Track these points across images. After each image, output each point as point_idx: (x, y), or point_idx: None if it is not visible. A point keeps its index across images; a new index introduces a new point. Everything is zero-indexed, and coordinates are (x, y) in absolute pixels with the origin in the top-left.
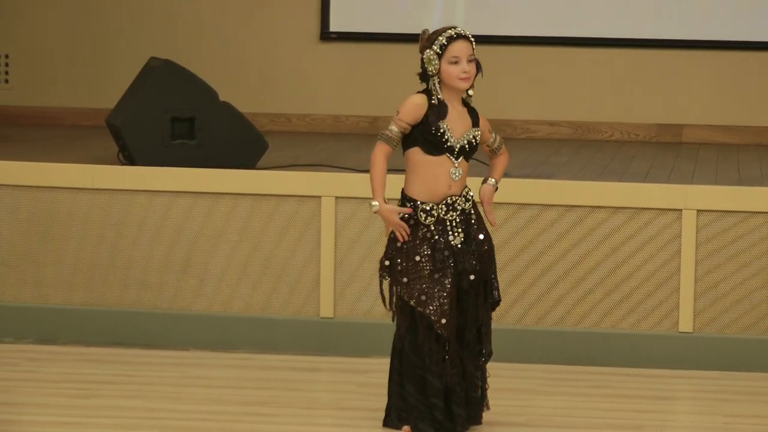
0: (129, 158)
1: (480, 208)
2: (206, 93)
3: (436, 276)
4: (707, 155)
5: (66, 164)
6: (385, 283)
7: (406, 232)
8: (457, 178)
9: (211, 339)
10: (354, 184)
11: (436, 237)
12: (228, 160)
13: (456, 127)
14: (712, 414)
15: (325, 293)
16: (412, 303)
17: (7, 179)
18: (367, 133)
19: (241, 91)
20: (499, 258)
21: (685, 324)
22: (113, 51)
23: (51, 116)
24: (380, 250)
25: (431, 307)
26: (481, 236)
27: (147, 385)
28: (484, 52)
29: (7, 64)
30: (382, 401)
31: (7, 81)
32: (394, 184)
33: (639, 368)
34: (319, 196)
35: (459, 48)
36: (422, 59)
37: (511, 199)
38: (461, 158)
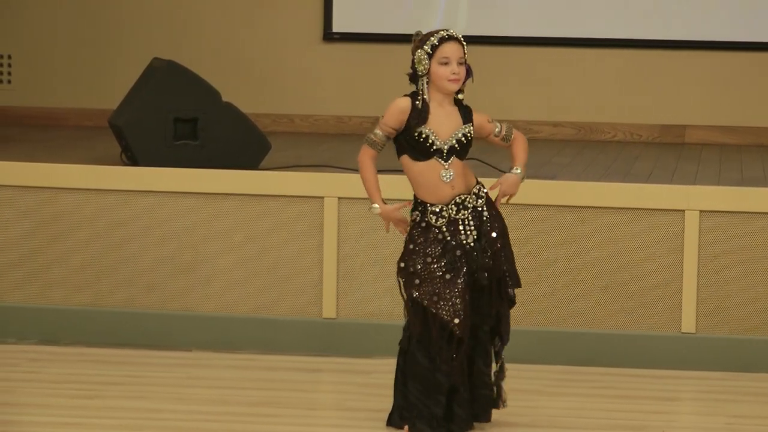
0: (132, 159)
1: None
2: (209, 93)
3: (449, 276)
4: (710, 156)
5: (68, 165)
6: (403, 285)
7: (406, 225)
8: (448, 180)
9: (214, 339)
10: (357, 184)
11: (448, 238)
12: (231, 161)
13: (442, 128)
14: (715, 415)
15: (327, 294)
16: (425, 303)
17: (10, 180)
18: None
19: (244, 91)
20: None
21: (688, 325)
22: (116, 51)
23: (54, 117)
24: (383, 250)
25: (444, 308)
26: (494, 234)
27: (150, 385)
28: (487, 52)
29: (9, 65)
30: (385, 402)
31: (9, 81)
32: (394, 184)
33: (642, 369)
34: (322, 197)
35: (450, 50)
36: (413, 59)
37: (513, 199)
38: (452, 158)
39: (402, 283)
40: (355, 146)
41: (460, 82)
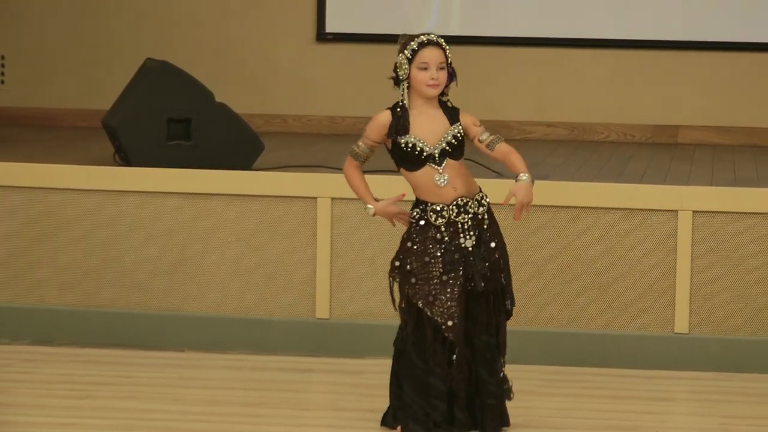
0: (125, 159)
1: (498, 213)
2: (202, 94)
3: (445, 278)
4: (703, 156)
5: (62, 165)
6: (395, 285)
7: (407, 216)
8: (444, 184)
9: (207, 340)
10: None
11: (447, 239)
12: (224, 161)
13: (429, 132)
14: (708, 415)
15: (320, 294)
16: (420, 304)
17: (4, 180)
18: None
19: (238, 92)
20: None
21: (681, 325)
22: (110, 52)
23: (47, 117)
24: (376, 251)
25: (438, 309)
26: (493, 244)
27: (142, 386)
28: (480, 53)
29: (3, 65)
30: (377, 402)
31: (3, 82)
32: (391, 185)
33: (635, 369)
34: (315, 197)
35: (429, 54)
36: (395, 63)
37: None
38: (446, 161)
39: (397, 282)
40: (348, 146)
41: (440, 87)
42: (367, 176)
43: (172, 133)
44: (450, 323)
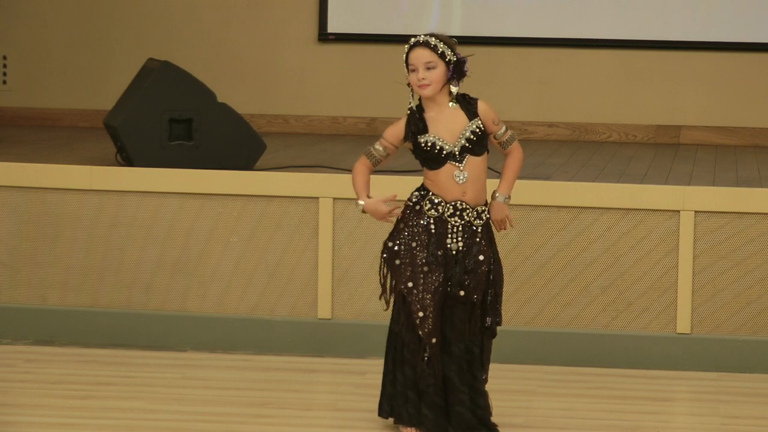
0: (127, 159)
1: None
2: (204, 94)
3: (426, 269)
4: (705, 156)
5: (64, 165)
6: (384, 265)
7: (394, 215)
8: (462, 181)
9: (209, 340)
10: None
11: (432, 231)
12: (226, 162)
13: (447, 130)
14: (710, 415)
15: (322, 294)
16: (400, 288)
17: (5, 180)
18: (365, 134)
19: (239, 92)
20: None
21: (683, 325)
22: (111, 52)
23: (49, 117)
24: (378, 251)
25: (414, 297)
26: (481, 257)
27: (145, 386)
28: (481, 53)
29: (5, 65)
30: None
31: (5, 82)
32: (394, 185)
33: (637, 369)
34: (317, 197)
35: (414, 56)
36: None
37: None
38: (467, 158)
39: (384, 260)
40: (350, 147)
41: (432, 87)
42: (376, 176)
43: (174, 133)
44: (421, 314)
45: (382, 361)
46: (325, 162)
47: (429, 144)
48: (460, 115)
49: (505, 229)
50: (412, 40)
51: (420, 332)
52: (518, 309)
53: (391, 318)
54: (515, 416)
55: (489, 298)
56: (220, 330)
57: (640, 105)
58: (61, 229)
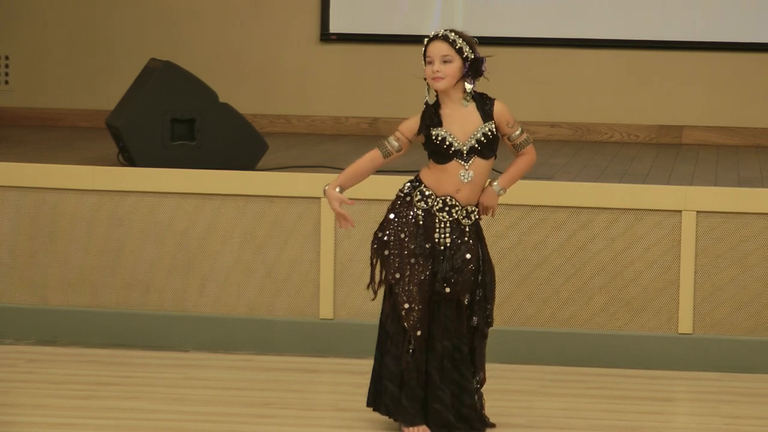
0: (129, 159)
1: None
2: (206, 94)
3: (413, 260)
4: (707, 156)
5: (66, 165)
6: (375, 256)
7: (346, 222)
8: (467, 180)
9: (211, 340)
10: (354, 185)
11: (421, 223)
12: (228, 162)
13: (460, 129)
14: (712, 415)
15: (324, 294)
16: (388, 278)
17: (8, 180)
18: (367, 134)
19: (241, 92)
20: (496, 256)
21: (685, 325)
22: (113, 52)
23: (51, 117)
24: None
25: (401, 288)
26: (468, 255)
27: (147, 386)
28: (483, 53)
29: (7, 66)
30: None
31: (7, 82)
32: (397, 184)
33: (638, 369)
34: (319, 198)
35: (431, 49)
36: None
37: (510, 200)
38: (473, 158)
39: (373, 250)
40: (352, 147)
41: (446, 80)
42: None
43: (176, 133)
44: (407, 306)
45: None
46: (327, 162)
47: (439, 138)
48: (475, 115)
49: (487, 215)
50: (432, 33)
51: (405, 324)
52: (520, 309)
53: (381, 309)
54: (516, 416)
55: (477, 297)
56: (221, 330)
57: (642, 105)
58: (63, 229)
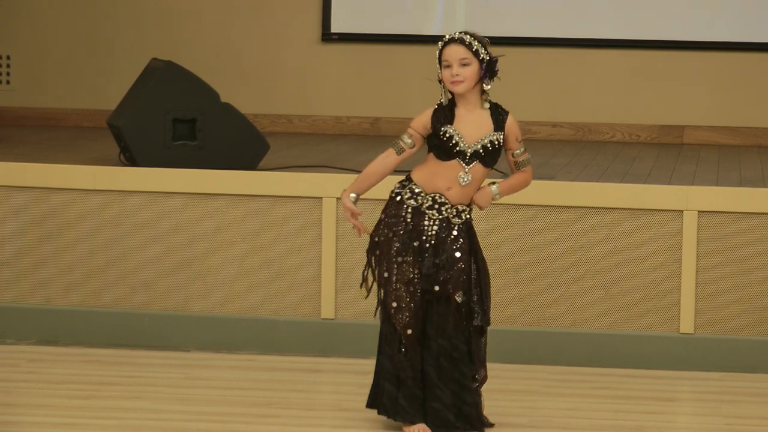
0: (130, 159)
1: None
2: (208, 94)
3: (399, 259)
4: (708, 156)
5: (67, 165)
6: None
7: (359, 231)
8: (465, 183)
9: (213, 340)
10: None
11: (409, 220)
12: (229, 162)
13: (469, 132)
14: (713, 415)
15: (326, 294)
16: (380, 278)
17: (9, 180)
18: (368, 134)
19: (243, 92)
20: (498, 257)
21: (687, 325)
22: (115, 52)
23: (52, 117)
24: None
25: (390, 288)
26: (457, 254)
27: (149, 386)
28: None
29: (8, 65)
30: None
31: (8, 82)
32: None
33: (640, 369)
34: (321, 197)
35: (448, 53)
36: None
37: (511, 199)
38: (475, 163)
39: (366, 252)
40: (354, 147)
41: (464, 84)
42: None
43: (178, 133)
44: (395, 305)
45: None
46: (329, 162)
47: (447, 135)
48: (488, 121)
49: (476, 206)
50: (447, 36)
51: (395, 323)
52: (521, 309)
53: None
54: (519, 416)
55: (474, 297)
56: (223, 330)
57: (643, 105)
58: (65, 229)
